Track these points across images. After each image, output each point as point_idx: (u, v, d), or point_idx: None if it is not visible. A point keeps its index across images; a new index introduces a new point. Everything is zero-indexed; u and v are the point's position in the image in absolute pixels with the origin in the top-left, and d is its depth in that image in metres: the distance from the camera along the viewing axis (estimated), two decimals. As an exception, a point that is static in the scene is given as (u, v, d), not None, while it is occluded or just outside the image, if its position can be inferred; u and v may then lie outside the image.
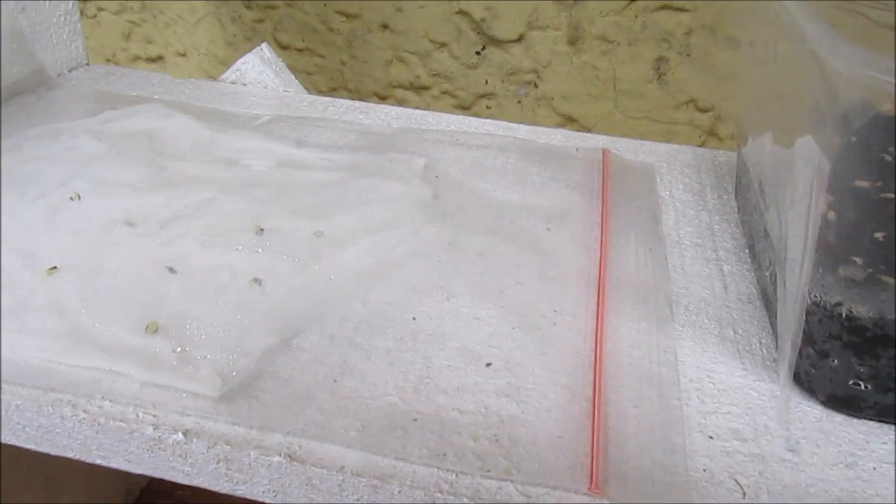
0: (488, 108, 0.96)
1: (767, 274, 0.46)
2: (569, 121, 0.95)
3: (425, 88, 0.96)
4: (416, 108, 0.80)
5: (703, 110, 0.91)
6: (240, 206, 0.51)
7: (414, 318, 0.44)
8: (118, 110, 0.65)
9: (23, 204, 0.50)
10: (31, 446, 0.39)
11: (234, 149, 0.60)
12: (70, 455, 0.38)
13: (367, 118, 0.70)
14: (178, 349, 0.39)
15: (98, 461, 0.38)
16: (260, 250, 0.46)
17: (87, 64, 0.79)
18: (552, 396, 0.39)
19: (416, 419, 0.38)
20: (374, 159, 0.60)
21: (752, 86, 0.51)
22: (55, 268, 0.44)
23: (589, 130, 0.95)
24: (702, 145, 0.92)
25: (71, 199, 0.51)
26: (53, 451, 0.38)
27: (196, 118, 0.64)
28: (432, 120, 0.70)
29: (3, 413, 0.38)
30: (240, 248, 0.46)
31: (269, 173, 0.56)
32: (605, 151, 0.64)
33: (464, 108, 0.97)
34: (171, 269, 0.45)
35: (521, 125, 0.70)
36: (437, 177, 0.59)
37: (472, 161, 0.63)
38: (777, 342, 0.43)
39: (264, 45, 0.76)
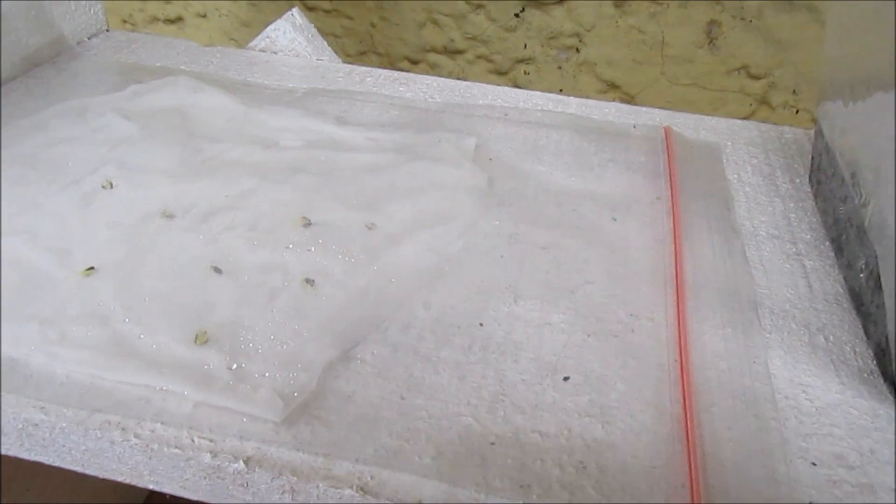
0: (526, 73, 0.91)
1: (862, 275, 0.43)
2: (612, 88, 0.90)
3: (460, 52, 0.91)
4: (450, 73, 0.75)
5: (756, 77, 0.86)
6: (285, 196, 0.47)
7: (481, 325, 0.41)
8: (144, 84, 0.61)
9: (53, 193, 0.47)
10: (77, 468, 0.36)
11: (271, 127, 0.56)
12: (120, 479, 0.35)
13: (407, 90, 0.65)
14: (234, 366, 0.36)
15: (150, 486, 0.35)
16: (312, 248, 0.43)
17: (107, 30, 0.74)
18: (639, 416, 0.36)
19: (493, 443, 0.34)
20: (422, 139, 0.56)
21: (849, 55, 0.47)
22: (92, 268, 0.41)
23: (632, 98, 0.90)
24: (751, 115, 0.88)
25: (103, 187, 0.48)
26: (101, 475, 0.36)
27: (227, 92, 0.60)
28: (477, 92, 0.66)
29: (48, 437, 0.35)
30: (290, 245, 0.43)
31: (313, 156, 0.52)
32: (667, 130, 0.60)
33: (500, 74, 0.92)
34: (217, 269, 0.42)
35: (572, 98, 0.66)
36: (490, 159, 0.55)
37: (525, 140, 0.59)
38: (878, 351, 0.40)
39: (295, 10, 0.71)
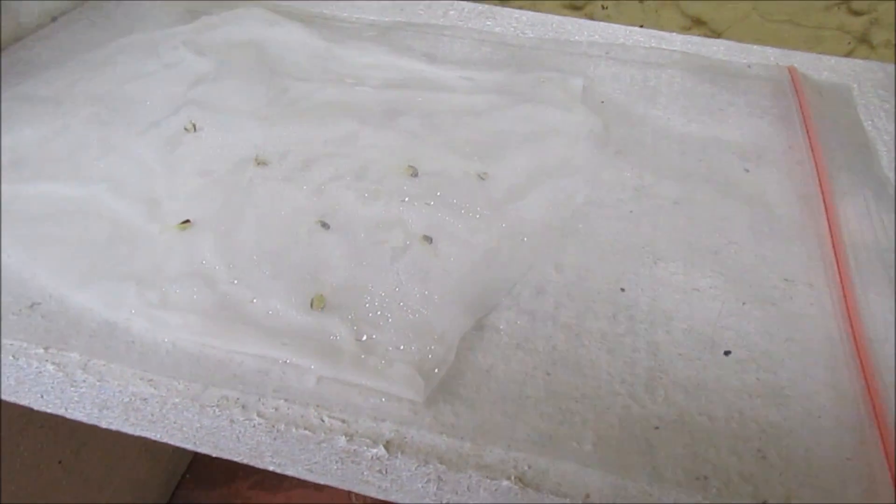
0: (604, 7, 0.85)
1: None
2: (697, 24, 0.83)
3: (532, -16, 0.85)
4: (521, 6, 0.70)
5: (857, 13, 0.79)
6: (388, 142, 0.43)
7: (623, 290, 0.36)
8: (215, 16, 0.55)
9: (133, 136, 0.42)
10: (188, 446, 0.32)
11: (357, 64, 0.51)
12: (237, 459, 0.32)
13: (496, 24, 0.60)
14: (364, 337, 0.32)
15: (271, 468, 0.32)
16: (431, 203, 0.38)
17: (164, -44, 0.68)
18: (816, 398, 0.32)
19: (657, 427, 0.30)
20: (523, 79, 0.51)
21: None
22: (188, 221, 0.37)
23: (719, 35, 0.84)
24: (850, 54, 0.81)
25: (186, 129, 0.43)
26: (215, 454, 0.32)
27: (305, 25, 0.55)
28: (572, 28, 0.60)
29: (158, 412, 0.31)
30: (406, 199, 0.38)
31: (409, 98, 0.47)
32: (792, 71, 0.54)
33: (576, 9, 0.86)
34: (325, 225, 0.37)
35: (675, 34, 0.60)
36: (602, 102, 0.50)
37: (632, 80, 0.53)
38: None
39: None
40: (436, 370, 0.31)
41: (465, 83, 0.50)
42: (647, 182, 0.43)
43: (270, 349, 0.31)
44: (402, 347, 0.31)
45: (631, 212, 0.41)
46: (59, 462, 0.67)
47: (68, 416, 0.33)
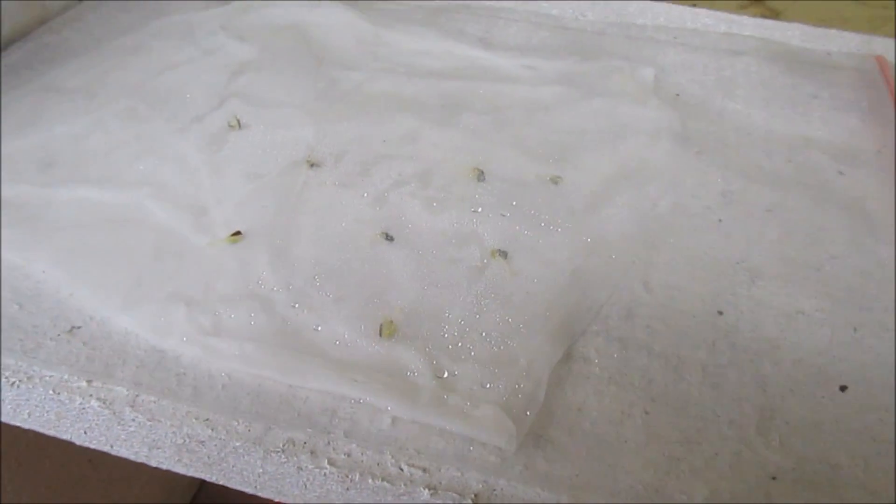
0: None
1: None
2: (753, 1, 0.79)
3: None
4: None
5: (929, -9, 0.74)
6: (452, 142, 0.39)
7: (720, 313, 0.33)
8: (253, -4, 0.51)
9: (173, 134, 0.39)
10: (247, 490, 0.29)
11: (408, 51, 0.47)
12: (301, 506, 0.29)
13: (553, 6, 0.55)
14: (445, 374, 0.28)
15: (340, 517, 0.29)
16: (507, 214, 0.35)
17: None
18: (951, 445, 0.28)
19: (775, 477, 0.27)
20: (589, 68, 0.47)
21: None
22: (239, 233, 0.34)
23: (777, 14, 0.79)
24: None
25: (231, 126, 0.40)
26: (278, 499, 0.29)
27: (349, 7, 0.51)
28: (635, 10, 0.56)
29: (216, 455, 0.28)
30: (479, 209, 0.35)
31: (471, 90, 0.43)
32: (880, 61, 0.50)
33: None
34: (389, 237, 0.34)
35: (744, 17, 0.56)
36: (677, 95, 0.46)
37: (706, 69, 0.49)
38: None
39: None
40: (527, 412, 0.27)
41: (528, 73, 0.46)
42: (734, 187, 0.39)
43: (340, 386, 0.28)
44: (487, 385, 0.28)
45: (720, 221, 0.37)
46: (89, 460, 0.64)
47: (114, 453, 0.30)
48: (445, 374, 0.28)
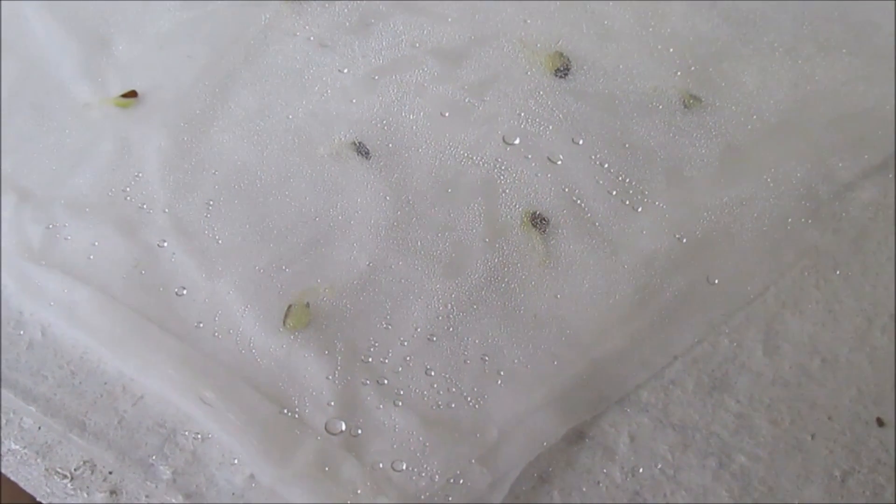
0: None
1: None
2: None
3: None
4: None
5: None
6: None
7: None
8: None
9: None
10: None
11: None
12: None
13: None
14: (343, 427, 0.17)
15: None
16: (561, 159, 0.21)
17: None
18: None
19: None
20: None
21: None
22: (134, 94, 0.22)
23: None
24: None
25: None
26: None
27: None
28: None
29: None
30: (527, 140, 0.21)
31: None
32: None
33: None
34: (361, 149, 0.22)
35: None
36: None
37: None
38: None
39: None
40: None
41: None
42: None
43: (183, 398, 0.17)
44: (411, 459, 0.16)
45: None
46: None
47: None
48: (344, 428, 0.17)
